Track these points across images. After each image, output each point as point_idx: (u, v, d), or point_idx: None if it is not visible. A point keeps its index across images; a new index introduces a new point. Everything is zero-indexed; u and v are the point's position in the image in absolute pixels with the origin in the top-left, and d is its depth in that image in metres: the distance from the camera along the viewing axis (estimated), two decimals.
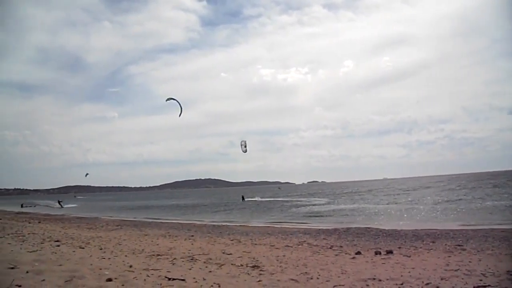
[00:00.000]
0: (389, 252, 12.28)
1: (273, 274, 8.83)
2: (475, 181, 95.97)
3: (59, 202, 70.72)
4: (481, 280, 7.68)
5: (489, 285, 7.16)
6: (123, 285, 6.76)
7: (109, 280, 7.02)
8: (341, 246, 14.34)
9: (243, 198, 68.07)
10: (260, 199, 69.86)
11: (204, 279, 7.81)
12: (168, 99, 21.92)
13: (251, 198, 71.94)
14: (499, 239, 14.86)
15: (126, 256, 11.23)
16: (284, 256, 11.90)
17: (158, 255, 11.77)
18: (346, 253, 12.50)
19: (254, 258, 11.28)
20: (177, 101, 21.89)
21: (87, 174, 77.63)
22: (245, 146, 25.60)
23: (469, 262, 10.26)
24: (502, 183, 69.28)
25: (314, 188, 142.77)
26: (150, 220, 33.87)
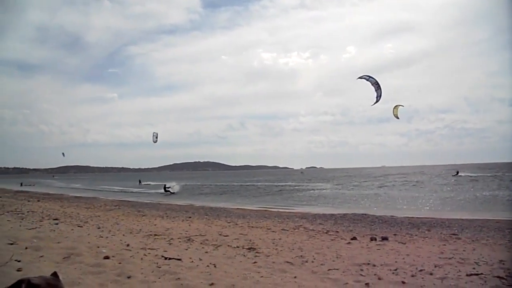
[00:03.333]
0: (385, 238, 12.38)
1: (268, 256, 8.93)
2: (474, 171, 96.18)
3: (165, 188, 48.61)
4: (474, 269, 7.75)
5: (481, 273, 7.22)
6: (120, 263, 6.82)
7: (107, 258, 7.09)
8: (337, 231, 14.45)
9: (140, 182, 75.83)
10: (153, 183, 74.34)
11: (200, 259, 7.88)
12: (361, 77, 18.24)
13: (148, 182, 76.80)
14: (493, 229, 14.98)
15: (123, 235, 11.33)
16: (280, 239, 12.01)
17: (155, 235, 11.88)
18: (341, 238, 12.61)
19: (250, 241, 11.39)
20: (376, 82, 18.01)
21: (63, 154, 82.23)
22: (156, 137, 27.19)
23: (463, 251, 10.36)
24: (501, 175, 69.45)
25: (315, 174, 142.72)
26: (148, 201, 33.92)
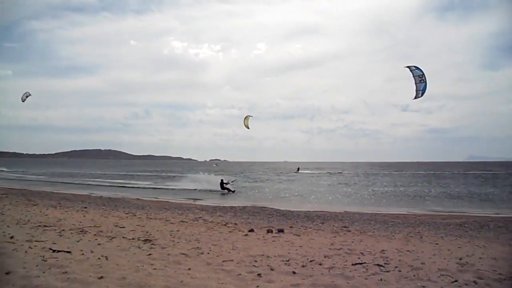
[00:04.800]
0: (280, 230, 12.80)
1: (164, 248, 8.82)
2: (369, 169, 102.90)
3: (222, 185, 35.45)
4: (359, 258, 8.33)
5: (365, 262, 7.80)
6: None
7: None
8: (235, 224, 14.67)
9: None
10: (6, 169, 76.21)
11: (91, 252, 7.58)
12: (408, 66, 16.90)
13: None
14: (379, 222, 16.21)
15: (8, 226, 10.52)
16: (178, 231, 11.91)
17: (45, 226, 11.17)
18: (239, 230, 12.81)
19: (147, 232, 11.17)
20: (421, 75, 16.74)
21: None
22: (26, 97, 25.76)
23: (352, 242, 11.04)
24: (391, 173, 75.09)
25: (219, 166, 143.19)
26: (41, 190, 31.79)
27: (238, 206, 21.39)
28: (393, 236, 12.78)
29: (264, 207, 21.32)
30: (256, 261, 7.80)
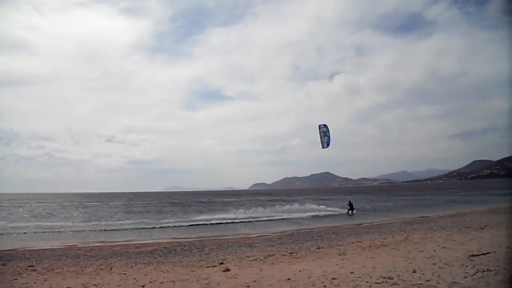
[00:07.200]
0: None
1: None
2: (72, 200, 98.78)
3: (352, 205, 41.32)
4: None
5: None
6: None
7: None
8: None
9: None
10: None
11: None
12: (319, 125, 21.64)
13: None
14: (72, 257, 15.67)
15: None
16: None
17: None
18: None
19: None
20: (325, 131, 21.28)
21: None
22: None
23: (34, 283, 10.42)
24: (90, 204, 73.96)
25: None
26: None
27: None
28: (82, 270, 12.53)
29: None
30: None
